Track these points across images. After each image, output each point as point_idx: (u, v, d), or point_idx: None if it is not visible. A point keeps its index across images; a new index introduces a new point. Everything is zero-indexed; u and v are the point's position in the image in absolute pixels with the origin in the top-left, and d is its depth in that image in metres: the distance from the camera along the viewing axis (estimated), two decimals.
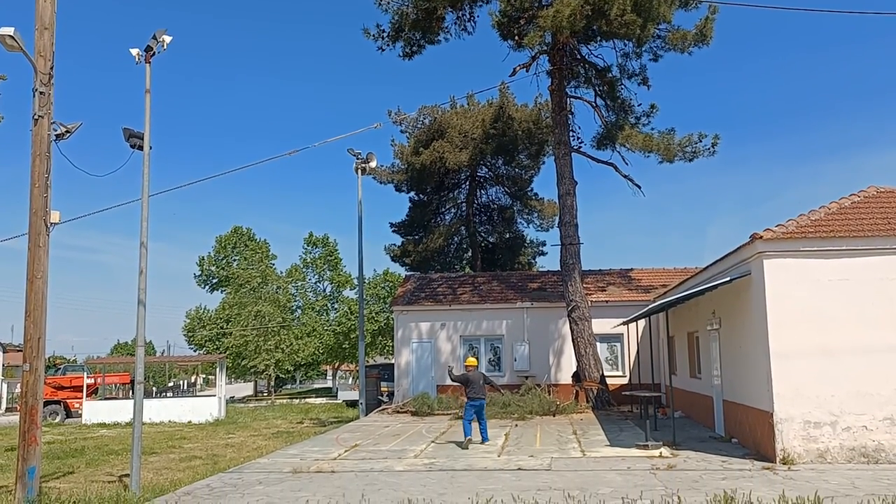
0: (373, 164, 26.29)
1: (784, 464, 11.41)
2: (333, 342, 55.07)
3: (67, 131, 11.14)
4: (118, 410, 28.23)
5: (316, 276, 60.72)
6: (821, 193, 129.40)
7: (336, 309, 58.58)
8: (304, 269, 59.97)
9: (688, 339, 19.26)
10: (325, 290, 60.73)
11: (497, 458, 13.20)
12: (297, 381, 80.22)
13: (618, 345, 25.56)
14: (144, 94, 12.40)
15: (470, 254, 39.54)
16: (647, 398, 18.25)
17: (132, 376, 25.10)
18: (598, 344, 23.59)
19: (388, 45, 24.59)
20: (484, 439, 15.15)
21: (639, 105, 24.65)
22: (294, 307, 57.78)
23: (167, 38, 12.21)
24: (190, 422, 27.92)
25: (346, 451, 14.75)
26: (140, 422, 11.66)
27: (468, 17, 24.46)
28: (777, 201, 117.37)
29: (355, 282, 44.56)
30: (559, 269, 24.20)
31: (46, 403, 29.07)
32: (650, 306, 19.64)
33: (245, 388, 65.07)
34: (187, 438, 21.78)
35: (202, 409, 29.37)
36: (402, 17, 23.76)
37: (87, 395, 30.64)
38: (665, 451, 13.16)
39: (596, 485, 10.20)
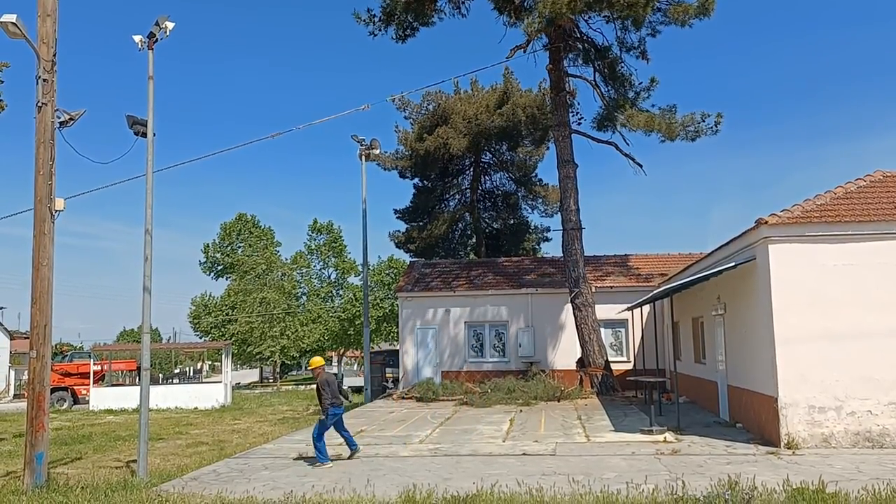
0: (377, 150, 26.28)
1: (788, 448, 11.43)
2: (338, 329, 55.25)
3: (71, 118, 11.13)
4: (125, 397, 28.44)
5: (321, 263, 60.79)
6: (827, 177, 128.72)
7: (341, 295, 58.69)
8: (308, 256, 60.03)
9: (692, 325, 19.24)
10: (329, 277, 60.81)
11: (502, 443, 13.25)
12: (303, 368, 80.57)
13: (622, 330, 25.55)
14: (147, 80, 12.34)
15: (474, 240, 39.49)
16: (651, 383, 18.21)
17: (138, 363, 25.22)
18: (602, 330, 23.61)
19: (380, 29, 24.07)
20: (355, 448, 12.06)
21: (639, 83, 24.16)
22: (299, 294, 57.96)
23: (170, 25, 12.11)
24: (196, 408, 28.06)
25: None
26: (147, 408, 11.72)
27: None
28: (782, 185, 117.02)
29: (360, 268, 44.54)
30: (563, 254, 24.15)
31: (54, 390, 29.39)
32: (655, 292, 19.61)
33: (251, 375, 65.46)
34: (193, 424, 21.89)
35: (208, 395, 29.53)
36: None
37: (93, 382, 30.84)
38: (669, 436, 13.19)
39: (600, 470, 10.23)
